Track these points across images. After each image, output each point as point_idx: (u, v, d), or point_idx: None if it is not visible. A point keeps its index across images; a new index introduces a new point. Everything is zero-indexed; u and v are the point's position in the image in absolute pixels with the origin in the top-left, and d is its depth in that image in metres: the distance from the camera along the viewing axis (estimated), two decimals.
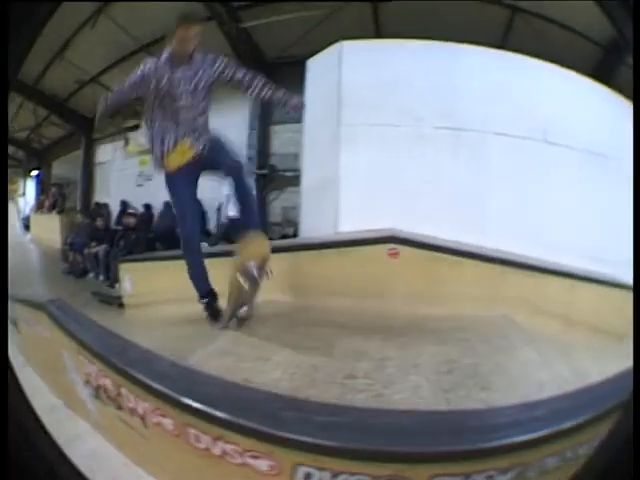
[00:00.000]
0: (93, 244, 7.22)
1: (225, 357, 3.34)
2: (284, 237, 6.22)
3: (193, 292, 4.41)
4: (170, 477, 2.21)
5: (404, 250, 4.21)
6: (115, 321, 4.80)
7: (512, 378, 3.09)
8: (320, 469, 1.75)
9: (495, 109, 4.83)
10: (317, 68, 5.55)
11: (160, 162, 3.73)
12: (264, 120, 7.00)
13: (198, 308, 4.23)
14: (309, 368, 3.15)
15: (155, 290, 4.71)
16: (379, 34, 6.03)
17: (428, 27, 5.32)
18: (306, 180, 5.74)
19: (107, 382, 2.42)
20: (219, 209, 6.41)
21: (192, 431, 2.00)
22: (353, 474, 1.72)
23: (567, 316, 4.30)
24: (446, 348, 3.23)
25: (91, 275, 7.13)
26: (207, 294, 3.78)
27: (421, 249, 4.28)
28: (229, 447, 1.92)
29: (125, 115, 7.74)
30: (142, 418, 2.23)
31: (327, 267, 4.24)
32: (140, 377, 2.24)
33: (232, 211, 6.08)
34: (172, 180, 3.79)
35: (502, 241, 4.71)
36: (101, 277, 6.86)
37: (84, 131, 8.34)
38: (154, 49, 6.89)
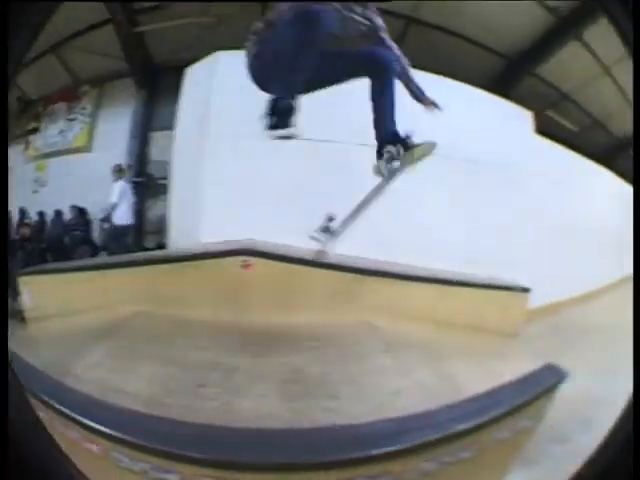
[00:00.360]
0: None
1: (99, 369, 3.49)
2: (160, 247, 6.27)
3: (86, 304, 4.46)
4: None
5: (259, 262, 4.32)
6: (16, 336, 4.77)
7: (364, 386, 3.24)
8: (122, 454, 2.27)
9: (361, 121, 4.97)
10: (193, 77, 5.72)
11: None
12: (144, 126, 6.99)
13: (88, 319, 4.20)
14: (166, 378, 3.28)
15: (52, 303, 4.66)
16: None
17: None
18: (173, 190, 5.89)
19: None
20: (105, 219, 6.40)
21: (56, 423, 2.40)
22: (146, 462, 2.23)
23: (440, 320, 4.51)
24: (295, 357, 3.43)
25: None
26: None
27: (275, 260, 4.39)
28: (76, 434, 2.39)
29: (28, 116, 7.61)
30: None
31: (185, 279, 4.38)
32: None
33: (120, 219, 6.17)
34: None
35: (367, 249, 4.87)
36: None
37: None
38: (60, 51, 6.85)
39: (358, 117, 4.97)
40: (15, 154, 7.83)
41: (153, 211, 6.82)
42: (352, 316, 4.29)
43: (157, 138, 6.87)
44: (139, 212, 6.74)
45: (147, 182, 6.79)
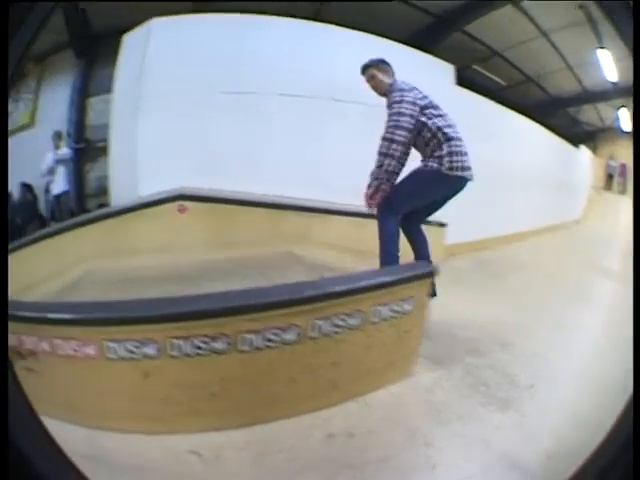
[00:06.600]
0: None
1: None
2: (101, 206, 6.65)
3: (41, 275, 4.80)
4: (65, 403, 2.82)
5: (193, 205, 4.87)
6: None
7: None
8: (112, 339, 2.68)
9: (283, 73, 5.44)
10: (129, 43, 6.10)
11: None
12: (82, 93, 7.30)
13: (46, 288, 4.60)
14: None
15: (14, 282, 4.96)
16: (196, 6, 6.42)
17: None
18: (112, 150, 6.26)
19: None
20: (45, 190, 6.80)
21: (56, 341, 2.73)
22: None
23: (358, 250, 4.98)
24: (232, 284, 3.92)
25: None
26: None
27: (207, 202, 4.96)
28: (73, 345, 2.70)
29: None
30: (34, 353, 2.81)
31: (130, 229, 4.88)
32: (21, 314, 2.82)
33: (57, 188, 6.60)
34: None
35: (285, 188, 5.42)
36: None
37: None
38: None
39: (276, 67, 5.63)
40: None
41: (92, 174, 7.19)
42: (276, 247, 4.89)
43: (93, 103, 7.23)
44: (78, 177, 7.07)
45: (86, 147, 7.12)
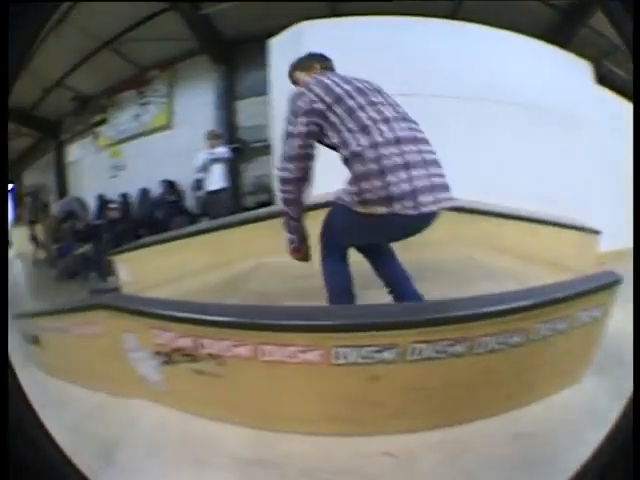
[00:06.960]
0: (79, 245, 7.42)
1: None
2: (261, 205, 6.84)
3: (183, 270, 4.95)
4: (244, 407, 2.83)
5: None
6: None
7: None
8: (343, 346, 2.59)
9: (440, 74, 5.50)
10: (279, 48, 6.29)
11: None
12: (228, 97, 7.66)
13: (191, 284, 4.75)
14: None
15: (152, 274, 5.14)
16: (334, 10, 6.61)
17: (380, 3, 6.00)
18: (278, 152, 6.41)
19: (185, 341, 2.82)
20: (197, 187, 7.10)
21: (265, 347, 2.64)
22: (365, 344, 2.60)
23: (526, 255, 5.00)
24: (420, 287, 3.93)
25: (80, 275, 7.21)
26: None
27: None
28: (292, 349, 2.61)
29: (91, 110, 8.25)
30: (219, 357, 2.74)
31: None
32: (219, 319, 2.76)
33: (214, 185, 6.85)
34: None
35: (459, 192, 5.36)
36: (93, 274, 7.02)
37: (52, 135, 8.74)
38: (116, 45, 7.52)
39: (440, 71, 5.67)
40: (82, 148, 8.57)
41: (249, 173, 7.51)
42: (455, 250, 4.81)
43: (242, 106, 7.60)
44: (234, 175, 7.50)
45: (241, 147, 7.44)
